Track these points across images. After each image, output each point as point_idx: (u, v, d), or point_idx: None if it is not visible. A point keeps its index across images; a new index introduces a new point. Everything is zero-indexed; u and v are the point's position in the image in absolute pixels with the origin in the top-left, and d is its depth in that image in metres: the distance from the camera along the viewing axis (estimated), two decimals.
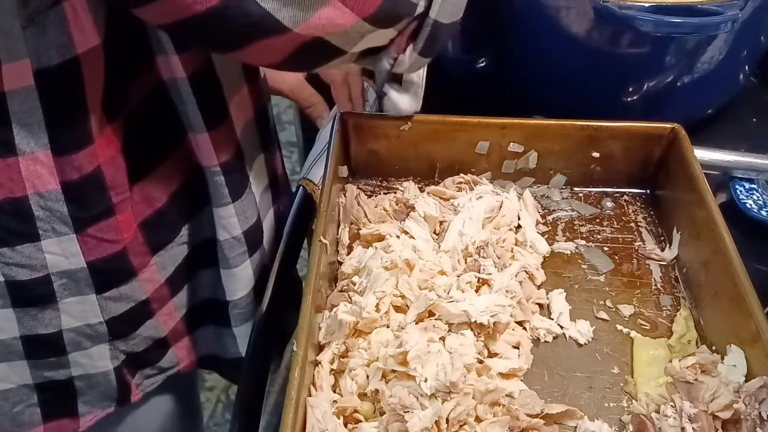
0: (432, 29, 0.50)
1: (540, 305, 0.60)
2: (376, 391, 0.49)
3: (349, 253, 0.60)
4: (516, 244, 0.63)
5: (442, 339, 0.52)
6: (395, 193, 0.67)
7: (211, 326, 0.66)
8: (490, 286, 0.57)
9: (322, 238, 0.55)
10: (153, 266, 0.56)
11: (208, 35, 0.43)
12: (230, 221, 0.58)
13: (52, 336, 0.53)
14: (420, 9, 0.49)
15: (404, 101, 0.61)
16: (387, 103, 0.61)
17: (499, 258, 0.60)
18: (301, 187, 0.70)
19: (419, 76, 0.60)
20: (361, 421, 0.49)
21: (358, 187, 0.67)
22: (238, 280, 0.62)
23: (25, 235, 0.48)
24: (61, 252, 0.50)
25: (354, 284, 0.57)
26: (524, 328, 0.57)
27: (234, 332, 0.65)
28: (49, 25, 0.41)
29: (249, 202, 0.60)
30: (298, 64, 0.49)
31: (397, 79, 0.60)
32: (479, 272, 0.57)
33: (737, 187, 0.70)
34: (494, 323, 0.53)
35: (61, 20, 0.41)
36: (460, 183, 0.68)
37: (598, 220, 0.67)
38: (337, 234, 0.62)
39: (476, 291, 0.57)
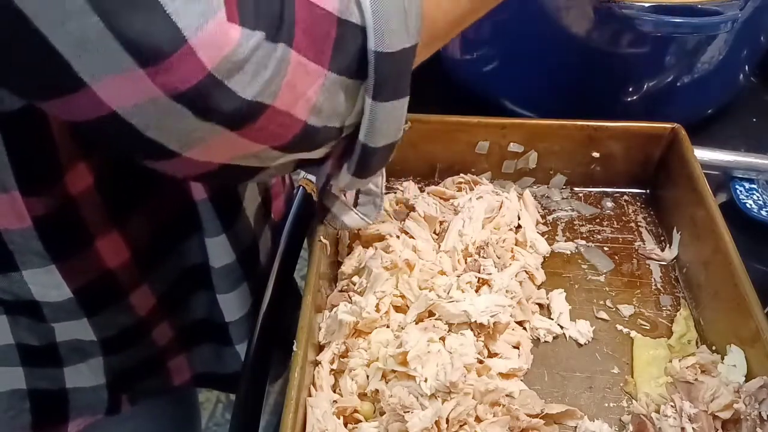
0: (362, 152, 0.43)
1: (540, 305, 0.60)
2: (376, 391, 0.49)
3: (349, 253, 0.60)
4: (516, 244, 0.63)
5: (442, 339, 0.52)
6: (395, 193, 0.67)
7: (210, 345, 0.65)
8: (490, 286, 0.57)
9: (322, 238, 0.55)
10: (145, 288, 0.55)
11: (106, 143, 0.40)
12: (224, 250, 0.57)
13: (47, 348, 0.53)
14: (347, 131, 0.42)
15: (351, 218, 0.53)
16: (330, 219, 0.53)
17: (499, 258, 0.60)
18: (301, 187, 0.70)
19: (377, 185, 0.54)
20: (361, 421, 0.49)
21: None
22: (236, 302, 0.61)
23: (5, 266, 0.47)
24: (44, 283, 0.49)
25: (354, 284, 0.57)
26: (524, 328, 0.57)
27: (236, 350, 0.64)
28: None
29: (243, 226, 0.59)
30: (218, 180, 0.44)
31: (334, 194, 0.53)
32: (479, 272, 0.57)
33: (737, 187, 0.70)
34: (494, 323, 0.53)
35: None
36: (460, 183, 0.68)
37: (598, 220, 0.67)
38: (337, 234, 0.62)
39: (476, 291, 0.57)
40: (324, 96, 0.39)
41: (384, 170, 0.51)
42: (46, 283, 0.49)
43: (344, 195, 0.52)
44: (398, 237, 0.60)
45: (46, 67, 0.32)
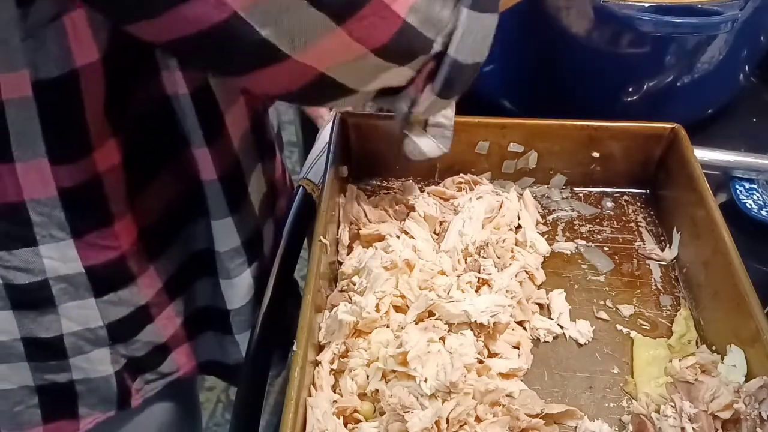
0: (450, 69, 0.46)
1: (540, 305, 0.60)
2: (376, 391, 0.49)
3: (349, 253, 0.60)
4: (516, 244, 0.63)
5: (442, 339, 0.52)
6: (395, 193, 0.67)
7: (212, 333, 0.66)
8: (490, 286, 0.57)
9: (322, 238, 0.55)
10: (151, 271, 0.56)
11: (204, 58, 0.42)
12: (229, 233, 0.58)
13: (53, 340, 0.53)
14: (438, 47, 0.45)
15: (427, 145, 0.56)
16: (408, 146, 0.56)
17: (499, 258, 0.60)
18: (301, 187, 0.70)
19: (448, 117, 0.56)
20: (361, 421, 0.49)
21: (358, 187, 0.67)
22: (239, 289, 0.61)
23: (23, 240, 0.48)
24: (58, 257, 0.50)
25: (354, 284, 0.57)
26: (524, 328, 0.57)
27: (236, 339, 0.65)
28: (48, 38, 0.41)
29: (248, 212, 0.59)
30: (306, 98, 0.47)
31: (416, 120, 0.55)
32: (479, 272, 0.57)
33: (737, 187, 0.70)
34: (494, 323, 0.53)
35: (61, 34, 0.41)
36: (460, 183, 0.68)
37: (598, 220, 0.67)
38: (337, 234, 0.62)
39: (476, 291, 0.57)
40: None
41: (454, 103, 0.53)
42: (60, 257, 0.50)
43: (421, 128, 0.55)
44: (398, 237, 0.60)
45: None
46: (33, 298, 0.51)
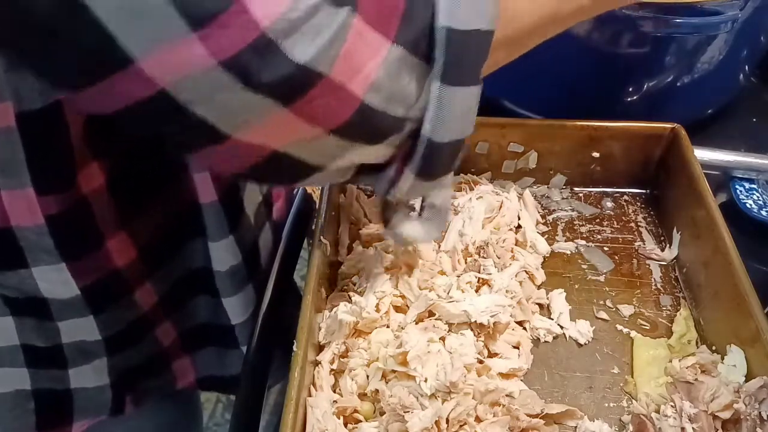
0: (427, 149, 0.40)
1: (540, 305, 0.60)
2: (376, 391, 0.49)
3: (349, 253, 0.60)
4: (516, 244, 0.63)
5: (442, 339, 0.52)
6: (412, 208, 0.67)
7: (213, 348, 0.65)
8: (490, 286, 0.57)
9: (322, 238, 0.55)
10: (148, 287, 0.55)
11: (141, 132, 0.39)
12: (229, 251, 0.56)
13: (52, 349, 0.53)
14: (410, 125, 0.40)
15: (413, 230, 0.49)
16: (388, 233, 0.50)
17: (499, 258, 0.59)
18: (301, 187, 0.70)
19: (442, 198, 0.48)
20: (361, 421, 0.49)
21: (358, 187, 0.67)
22: (242, 304, 0.61)
23: (15, 262, 0.47)
24: (53, 280, 0.49)
25: (354, 284, 0.57)
26: (524, 328, 0.57)
27: (243, 351, 0.64)
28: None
29: (246, 227, 0.58)
30: (264, 178, 0.41)
31: (401, 203, 0.50)
32: (479, 272, 0.57)
33: (737, 187, 0.70)
34: (494, 323, 0.53)
35: None
36: (460, 183, 0.68)
37: (598, 220, 0.67)
38: (337, 234, 0.62)
39: (476, 291, 0.57)
40: (385, 72, 0.36)
41: (450, 183, 0.47)
42: (55, 280, 0.48)
43: (410, 210, 0.49)
44: None
45: (89, 44, 0.30)
46: (30, 311, 0.50)
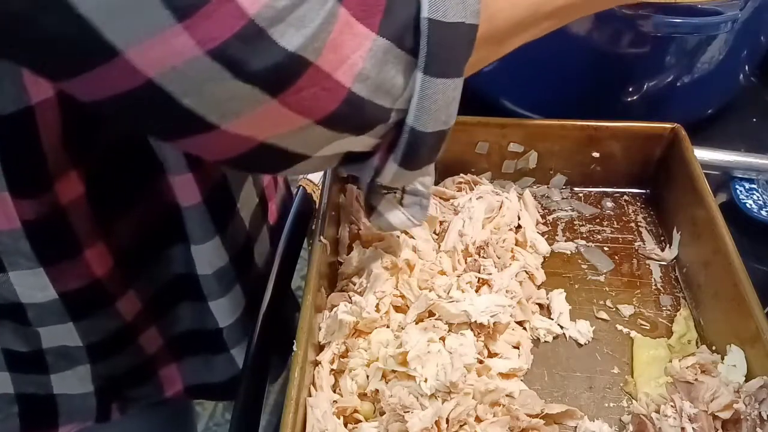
0: (410, 138, 0.41)
1: (540, 305, 0.60)
2: (376, 391, 0.49)
3: (349, 253, 0.60)
4: (516, 244, 0.63)
5: (442, 339, 0.52)
6: (395, 193, 0.67)
7: (201, 355, 0.64)
8: (490, 286, 0.57)
9: (322, 238, 0.55)
10: (130, 294, 0.54)
11: (129, 122, 0.39)
12: (215, 254, 0.55)
13: (33, 354, 0.52)
14: (395, 116, 0.40)
15: (397, 217, 0.50)
16: (374, 219, 0.51)
17: (499, 258, 0.60)
18: (301, 187, 0.70)
19: (425, 185, 0.50)
20: (361, 421, 0.49)
21: (358, 187, 0.67)
22: (229, 306, 0.60)
23: None
24: (29, 284, 0.48)
25: (354, 284, 0.57)
26: (524, 328, 0.57)
27: (231, 354, 0.64)
28: (3, 76, 0.39)
29: (237, 228, 0.58)
30: (250, 167, 0.42)
31: (382, 190, 0.50)
32: (479, 272, 0.57)
33: (737, 187, 0.70)
34: (494, 323, 0.53)
35: (15, 71, 0.39)
36: (460, 183, 0.68)
37: (598, 220, 0.67)
38: (337, 234, 0.62)
39: (476, 291, 0.57)
40: (371, 63, 0.36)
41: (432, 170, 0.48)
42: (32, 285, 0.48)
43: (393, 196, 0.50)
44: (398, 237, 0.60)
45: (73, 38, 0.30)
46: (9, 316, 0.50)
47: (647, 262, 0.64)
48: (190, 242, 0.54)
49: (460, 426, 0.48)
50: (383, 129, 0.41)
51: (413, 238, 0.60)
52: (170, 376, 0.63)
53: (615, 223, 0.67)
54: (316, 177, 0.69)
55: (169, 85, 0.32)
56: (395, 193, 0.49)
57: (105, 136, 0.46)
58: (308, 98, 0.35)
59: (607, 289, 0.61)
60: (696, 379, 0.50)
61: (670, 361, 0.54)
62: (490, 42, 0.44)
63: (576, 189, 0.70)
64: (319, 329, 0.53)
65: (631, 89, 0.73)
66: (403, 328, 0.53)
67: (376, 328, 0.53)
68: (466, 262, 0.59)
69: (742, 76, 0.78)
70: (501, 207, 0.64)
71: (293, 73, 0.34)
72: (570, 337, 0.57)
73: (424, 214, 0.51)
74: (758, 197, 0.69)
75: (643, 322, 0.58)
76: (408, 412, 0.47)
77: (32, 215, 0.44)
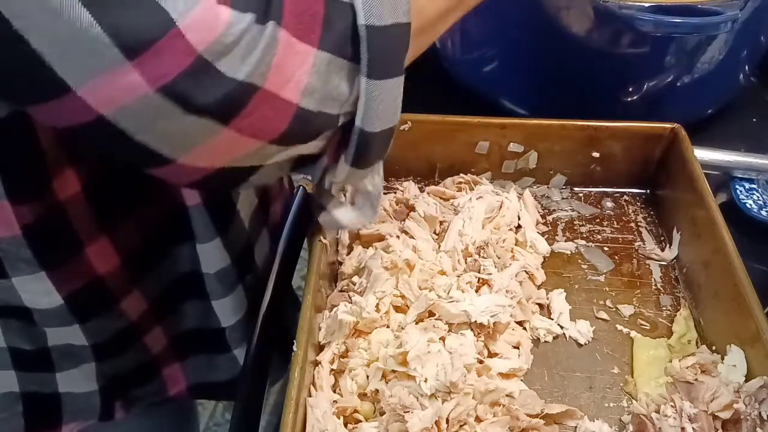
0: (360, 139, 0.42)
1: (540, 305, 0.60)
2: (376, 391, 0.49)
3: (349, 253, 0.60)
4: (516, 244, 0.63)
5: (442, 339, 0.52)
6: (395, 193, 0.67)
7: (204, 354, 0.64)
8: (490, 286, 0.57)
9: (322, 238, 0.55)
10: (135, 293, 0.54)
11: (92, 150, 0.40)
12: (218, 254, 0.56)
13: (39, 353, 0.53)
14: (342, 119, 0.41)
15: (346, 215, 0.50)
16: (322, 217, 0.51)
17: (499, 258, 0.60)
18: (301, 187, 0.70)
19: (374, 185, 0.50)
20: (361, 421, 0.49)
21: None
22: (232, 306, 0.60)
23: None
24: (34, 290, 0.48)
25: (354, 284, 0.57)
26: (524, 328, 0.57)
27: (234, 354, 0.64)
28: None
29: (237, 229, 0.58)
30: (212, 186, 0.42)
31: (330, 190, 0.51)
32: (479, 272, 0.57)
33: (737, 187, 0.70)
34: (494, 323, 0.53)
35: None
36: (460, 183, 0.68)
37: (598, 220, 0.67)
38: (337, 234, 0.62)
39: (476, 291, 0.57)
40: (315, 77, 0.38)
41: (381, 169, 0.50)
42: (36, 290, 0.48)
43: (343, 195, 0.51)
44: (398, 237, 0.60)
45: (27, 72, 0.31)
46: (16, 316, 0.50)
47: (647, 262, 0.64)
48: (196, 241, 0.55)
49: (460, 426, 0.48)
50: (331, 132, 0.42)
51: (413, 238, 0.60)
52: (174, 375, 0.63)
53: (615, 223, 0.67)
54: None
55: (121, 122, 0.33)
56: (345, 192, 0.50)
57: None
58: (259, 120, 0.37)
59: (607, 289, 0.61)
60: (696, 379, 0.50)
61: (670, 361, 0.54)
62: (423, 33, 0.46)
63: (576, 189, 0.70)
64: (319, 329, 0.53)
65: (631, 89, 0.73)
66: (403, 328, 0.53)
67: (376, 328, 0.53)
68: (466, 262, 0.59)
69: (742, 76, 0.78)
70: (501, 207, 0.64)
71: (242, 100, 0.35)
72: (570, 337, 0.57)
73: (374, 212, 0.52)
74: (758, 197, 0.70)
75: (643, 322, 0.58)
76: (408, 412, 0.47)
77: (31, 218, 0.45)
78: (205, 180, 0.39)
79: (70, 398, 0.57)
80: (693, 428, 0.48)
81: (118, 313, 0.54)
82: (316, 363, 0.51)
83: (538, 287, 0.61)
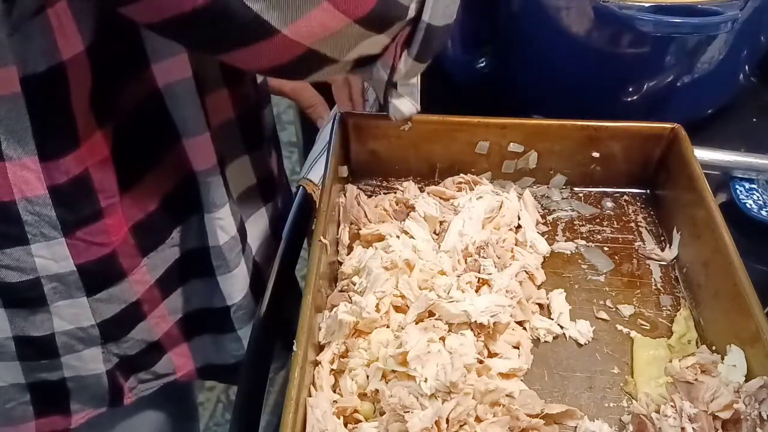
0: (425, 33, 0.48)
1: (540, 305, 0.60)
2: (376, 391, 0.49)
3: (349, 253, 0.60)
4: (516, 244, 0.63)
5: (442, 339, 0.52)
6: (395, 193, 0.67)
7: (209, 335, 0.65)
8: (490, 286, 0.57)
9: (322, 238, 0.55)
10: (143, 268, 0.56)
11: (196, 35, 0.42)
12: (227, 221, 0.58)
13: (45, 338, 0.53)
14: (412, 13, 0.48)
15: (406, 106, 0.58)
16: (391, 110, 0.59)
17: (499, 258, 0.60)
18: (301, 187, 0.70)
19: (417, 78, 0.58)
20: (361, 421, 0.49)
21: (358, 187, 0.67)
22: (237, 281, 0.61)
23: (14, 239, 0.48)
24: (50, 256, 0.50)
25: (354, 284, 0.57)
26: (524, 328, 0.57)
27: (239, 334, 0.65)
28: (35, 32, 0.41)
29: (233, 203, 0.60)
30: (292, 72, 0.47)
31: (393, 84, 0.57)
32: (479, 272, 0.57)
33: (737, 187, 0.70)
34: (494, 323, 0.53)
35: (46, 27, 0.41)
36: (460, 183, 0.68)
37: (598, 220, 0.67)
38: (337, 234, 0.62)
39: (476, 291, 0.57)
40: None
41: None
42: (53, 256, 0.50)
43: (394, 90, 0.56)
44: (398, 237, 0.60)
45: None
46: (25, 297, 0.51)
47: (647, 262, 0.64)
48: (204, 210, 0.57)
49: (460, 426, 0.48)
50: (398, 27, 0.48)
51: (413, 238, 0.60)
52: (180, 356, 0.64)
53: (615, 223, 0.67)
54: (316, 177, 0.69)
55: None
56: (395, 87, 0.57)
57: (130, 95, 0.49)
58: None
59: (607, 289, 0.61)
60: (696, 379, 0.50)
61: (670, 361, 0.54)
62: None
63: (576, 189, 0.70)
64: (319, 329, 0.53)
65: (631, 89, 0.73)
66: (403, 328, 0.53)
67: (376, 328, 0.53)
68: (466, 262, 0.59)
69: (742, 76, 0.78)
70: (501, 207, 0.64)
71: None
72: (570, 337, 0.57)
73: (417, 100, 0.59)
74: (758, 197, 0.70)
75: (643, 322, 0.58)
76: (408, 412, 0.47)
77: (59, 179, 0.47)
78: (289, 63, 0.44)
79: (78, 382, 0.57)
80: (693, 428, 0.48)
81: (126, 289, 0.55)
82: (316, 363, 0.51)
83: (538, 287, 0.61)
